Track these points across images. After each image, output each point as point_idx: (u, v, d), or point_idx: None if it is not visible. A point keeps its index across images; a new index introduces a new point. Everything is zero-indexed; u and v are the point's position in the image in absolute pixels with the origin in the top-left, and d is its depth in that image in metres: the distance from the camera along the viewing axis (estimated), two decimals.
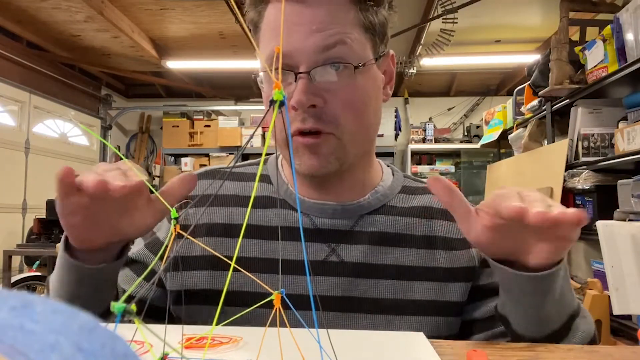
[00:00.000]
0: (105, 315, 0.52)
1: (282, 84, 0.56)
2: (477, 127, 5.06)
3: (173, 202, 0.48)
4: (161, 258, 0.63)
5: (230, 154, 4.94)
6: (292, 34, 0.54)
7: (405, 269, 0.62)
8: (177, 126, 5.16)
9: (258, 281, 0.41)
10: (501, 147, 3.75)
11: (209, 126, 5.10)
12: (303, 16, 0.54)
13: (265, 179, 0.68)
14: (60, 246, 0.53)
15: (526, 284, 0.49)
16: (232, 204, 0.65)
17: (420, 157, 5.35)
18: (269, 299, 0.33)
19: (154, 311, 0.64)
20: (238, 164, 0.72)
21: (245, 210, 0.64)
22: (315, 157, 0.57)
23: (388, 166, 0.73)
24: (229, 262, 0.58)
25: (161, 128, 5.39)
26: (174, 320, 0.66)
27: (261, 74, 0.60)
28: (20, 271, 4.13)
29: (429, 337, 0.54)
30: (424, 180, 0.68)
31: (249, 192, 0.66)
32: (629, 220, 1.58)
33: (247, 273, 0.44)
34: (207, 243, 0.62)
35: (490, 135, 3.49)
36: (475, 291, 0.64)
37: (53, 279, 0.56)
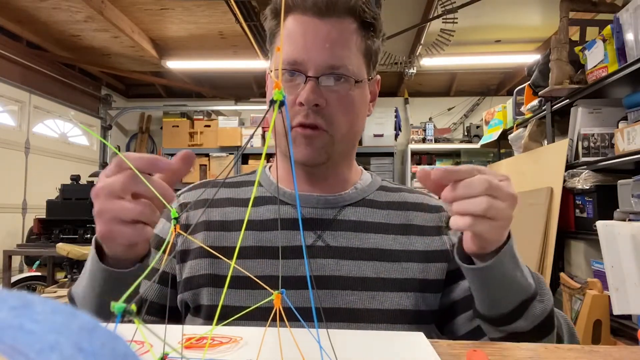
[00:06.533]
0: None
1: (292, 84, 0.64)
2: (477, 127, 5.06)
3: (176, 181, 0.51)
4: (155, 269, 0.69)
5: (230, 154, 4.94)
6: (308, 45, 0.64)
7: (386, 252, 0.70)
8: (177, 126, 5.16)
9: (257, 280, 0.41)
10: (501, 147, 3.75)
11: (209, 126, 5.10)
12: (319, 32, 0.64)
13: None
14: (92, 258, 0.54)
15: (467, 273, 0.58)
16: (227, 205, 0.74)
17: (420, 157, 5.35)
18: (269, 299, 0.33)
19: (159, 310, 0.69)
20: (230, 176, 0.84)
21: (238, 209, 0.73)
22: (309, 148, 0.67)
23: (368, 171, 0.83)
24: (224, 253, 0.64)
25: (161, 128, 5.39)
26: (177, 318, 0.70)
27: (271, 73, 0.69)
28: (20, 271, 4.13)
29: (410, 310, 0.66)
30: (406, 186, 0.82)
31: (242, 195, 0.76)
32: (629, 220, 1.58)
33: (246, 272, 0.44)
34: (206, 237, 0.70)
35: (490, 135, 3.49)
36: (449, 276, 0.71)
37: (81, 290, 0.59)
